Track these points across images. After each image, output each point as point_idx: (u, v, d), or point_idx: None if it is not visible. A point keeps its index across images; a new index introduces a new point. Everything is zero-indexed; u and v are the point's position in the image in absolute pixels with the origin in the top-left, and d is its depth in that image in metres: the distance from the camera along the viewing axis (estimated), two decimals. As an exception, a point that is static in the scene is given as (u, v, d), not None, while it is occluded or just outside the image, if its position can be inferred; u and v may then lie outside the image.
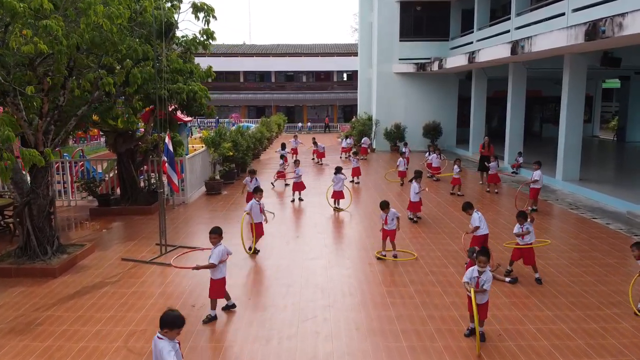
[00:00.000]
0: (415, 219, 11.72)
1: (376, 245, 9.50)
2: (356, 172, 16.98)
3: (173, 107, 12.18)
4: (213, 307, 6.69)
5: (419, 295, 7.37)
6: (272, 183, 16.44)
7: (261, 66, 53.24)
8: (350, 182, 16.82)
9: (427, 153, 18.61)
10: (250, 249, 9.39)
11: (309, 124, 49.47)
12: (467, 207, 8.67)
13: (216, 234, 6.84)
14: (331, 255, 9.31)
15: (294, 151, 24.05)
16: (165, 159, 8.85)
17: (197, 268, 6.82)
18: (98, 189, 13.41)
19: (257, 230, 9.49)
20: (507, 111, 20.02)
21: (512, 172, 18.70)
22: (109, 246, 10.02)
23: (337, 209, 12.90)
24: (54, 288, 7.88)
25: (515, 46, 15.92)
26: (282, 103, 52.78)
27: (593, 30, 11.85)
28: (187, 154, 15.82)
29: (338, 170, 13.09)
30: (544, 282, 7.81)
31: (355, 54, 41.17)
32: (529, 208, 12.45)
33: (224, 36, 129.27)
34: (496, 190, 15.34)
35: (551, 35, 14.08)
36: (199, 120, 35.39)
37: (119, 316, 6.81)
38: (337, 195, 12.92)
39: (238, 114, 45.61)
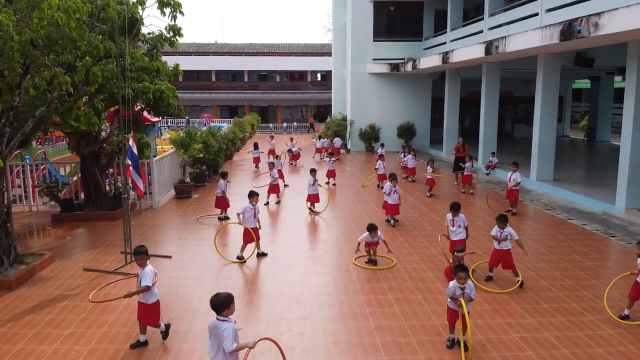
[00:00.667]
0: (392, 221, 11.48)
1: (353, 250, 9.17)
2: (331, 174, 16.70)
3: (139, 107, 11.64)
4: (143, 331, 6.00)
5: (398, 303, 7.08)
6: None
7: (234, 65, 52.46)
8: (326, 183, 16.52)
9: (402, 154, 18.44)
10: (240, 257, 8.91)
11: (284, 124, 48.98)
12: (456, 208, 8.36)
13: (142, 255, 6.03)
14: (307, 262, 8.94)
15: (271, 152, 23.61)
16: (130, 162, 8.34)
17: (129, 295, 5.92)
18: (61, 194, 12.75)
19: (256, 235, 9.04)
20: (480, 112, 20.02)
21: (486, 173, 18.69)
22: (70, 255, 9.43)
23: (312, 212, 12.57)
24: (10, 302, 7.31)
25: (489, 46, 15.87)
26: (255, 103, 52.12)
27: (568, 30, 11.81)
28: (155, 156, 15.25)
29: (313, 171, 12.76)
30: (525, 287, 7.63)
31: (330, 54, 40.89)
32: (511, 210, 12.36)
33: (195, 35, 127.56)
34: (471, 191, 15.24)
35: (525, 35, 14.04)
36: (168, 120, 34.28)
37: (78, 333, 6.31)
38: (313, 199, 12.58)
39: (210, 114, 44.75)
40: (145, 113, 12.43)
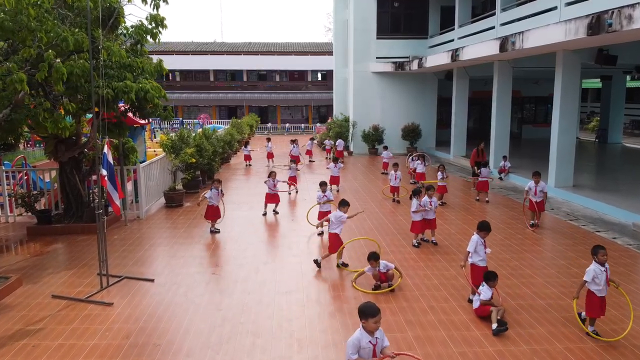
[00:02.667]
0: (417, 242, 9.82)
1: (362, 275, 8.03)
2: (335, 180, 15.51)
3: (123, 108, 10.50)
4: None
5: (419, 343, 5.94)
6: (288, 192, 15.02)
7: (232, 64, 51.25)
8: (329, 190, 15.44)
9: (410, 158, 17.22)
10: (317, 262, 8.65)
11: (287, 125, 47.85)
12: (488, 229, 7.10)
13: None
14: (310, 288, 7.78)
15: (269, 155, 22.46)
16: (104, 172, 7.21)
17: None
18: (40, 203, 11.62)
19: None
20: (492, 112, 18.91)
21: (499, 178, 17.55)
22: (40, 277, 8.29)
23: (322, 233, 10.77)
24: (-41, 340, 6.18)
25: (504, 42, 14.73)
26: (254, 103, 50.93)
27: (597, 23, 10.67)
28: (144, 161, 14.12)
29: (323, 185, 10.89)
30: (565, 316, 6.49)
31: (330, 53, 39.69)
32: (534, 223, 11.20)
33: (194, 35, 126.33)
34: (487, 199, 14.10)
35: (546, 30, 12.91)
36: (159, 122, 32.57)
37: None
38: (325, 216, 10.49)
39: (207, 114, 43.48)
40: (131, 115, 11.29)
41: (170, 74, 53.12)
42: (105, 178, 7.27)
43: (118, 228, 11.17)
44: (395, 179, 13.96)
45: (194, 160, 13.12)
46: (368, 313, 4.39)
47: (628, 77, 27.51)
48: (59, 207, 11.77)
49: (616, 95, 27.48)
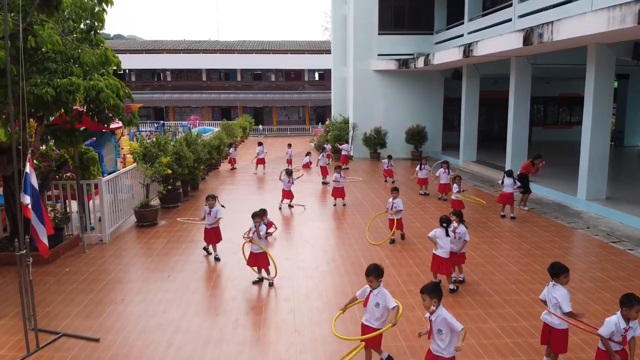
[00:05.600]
0: (454, 286, 7.57)
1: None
2: (340, 192, 13.58)
3: (77, 111, 8.56)
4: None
5: None
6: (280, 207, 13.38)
7: (226, 63, 49.19)
8: (334, 205, 13.57)
9: (418, 167, 15.09)
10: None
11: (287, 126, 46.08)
12: (564, 270, 5.16)
13: None
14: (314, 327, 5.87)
15: (260, 161, 20.53)
16: (27, 199, 5.28)
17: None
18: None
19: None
20: (508, 115, 17.05)
21: (517, 188, 15.63)
22: (-46, 332, 6.35)
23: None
24: None
25: (529, 35, 12.85)
26: (249, 104, 48.92)
27: (654, 7, 8.82)
28: (115, 170, 12.19)
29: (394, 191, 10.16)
30: None
31: (328, 52, 37.87)
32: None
33: (193, 35, 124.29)
34: (512, 215, 12.20)
35: (582, 20, 11.02)
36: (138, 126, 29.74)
37: None
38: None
39: (198, 116, 41.33)
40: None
41: (161, 74, 51.22)
42: (29, 207, 5.34)
43: (73, 257, 9.22)
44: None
45: (169, 171, 11.16)
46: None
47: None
48: (7, 230, 9.81)
49: (634, 95, 25.68)
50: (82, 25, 7.35)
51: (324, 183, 17.08)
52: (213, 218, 8.87)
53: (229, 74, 51.07)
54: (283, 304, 7.09)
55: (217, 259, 8.97)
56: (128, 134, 18.23)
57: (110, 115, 8.30)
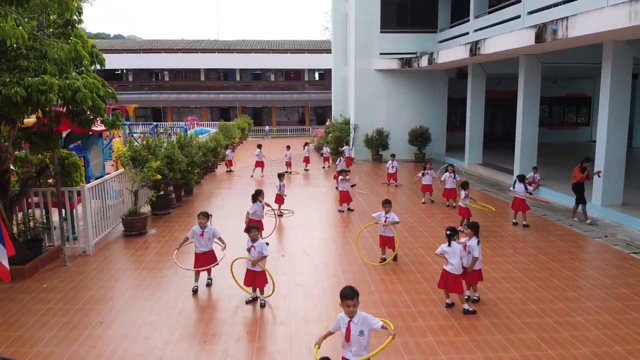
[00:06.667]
0: (470, 308, 6.80)
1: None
2: (346, 197, 12.89)
3: (56, 112, 7.84)
4: None
5: None
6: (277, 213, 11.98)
7: (225, 63, 48.43)
8: (339, 211, 12.84)
9: (422, 172, 14.25)
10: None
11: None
12: None
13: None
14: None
15: (259, 164, 19.81)
16: (-17, 217, 4.56)
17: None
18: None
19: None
20: (517, 116, 16.37)
21: (529, 192, 14.90)
22: None
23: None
24: None
25: (542, 31, 12.12)
26: (248, 104, 48.17)
27: (685, -1, 8.10)
28: (103, 175, 11.49)
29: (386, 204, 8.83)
30: None
31: (328, 51, 37.12)
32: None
33: (190, 33, 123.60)
34: (524, 222, 11.49)
35: (601, 14, 10.30)
36: (130, 126, 28.37)
37: None
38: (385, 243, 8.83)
39: (196, 116, 40.52)
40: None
41: (159, 74, 50.51)
42: (-14, 224, 4.63)
43: (52, 270, 8.50)
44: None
45: (159, 177, 10.44)
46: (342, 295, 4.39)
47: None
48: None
49: (642, 95, 24.93)
50: (57, 19, 6.65)
51: (349, 209, 13.28)
52: (206, 240, 7.59)
53: (228, 74, 50.37)
54: (279, 328, 6.37)
55: (208, 285, 7.74)
56: (120, 136, 17.54)
57: (92, 117, 7.58)
